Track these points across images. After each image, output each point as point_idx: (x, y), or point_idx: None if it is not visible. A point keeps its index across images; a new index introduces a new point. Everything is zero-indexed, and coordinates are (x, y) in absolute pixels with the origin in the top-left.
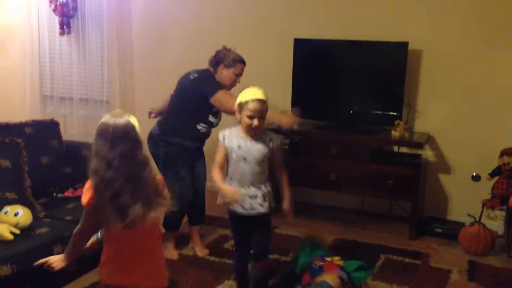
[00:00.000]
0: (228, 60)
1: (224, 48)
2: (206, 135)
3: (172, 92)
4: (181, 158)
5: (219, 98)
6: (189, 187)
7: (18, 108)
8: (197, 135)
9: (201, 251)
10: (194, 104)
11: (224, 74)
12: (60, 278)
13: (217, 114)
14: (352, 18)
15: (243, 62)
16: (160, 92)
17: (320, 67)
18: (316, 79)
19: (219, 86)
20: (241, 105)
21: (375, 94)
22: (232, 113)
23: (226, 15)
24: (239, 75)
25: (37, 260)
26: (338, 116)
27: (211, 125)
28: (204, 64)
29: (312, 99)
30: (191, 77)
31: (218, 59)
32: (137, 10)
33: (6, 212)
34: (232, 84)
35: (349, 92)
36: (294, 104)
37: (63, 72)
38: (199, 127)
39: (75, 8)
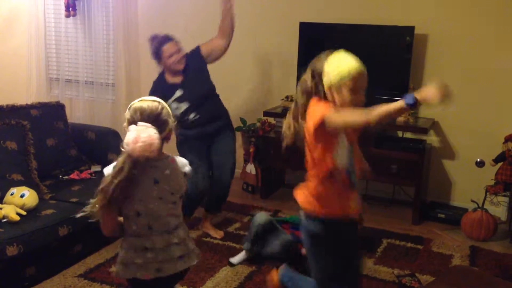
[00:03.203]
0: (155, 52)
1: (149, 41)
2: (192, 121)
3: None
4: (185, 144)
5: None
6: (197, 174)
7: (24, 91)
8: (184, 125)
9: (216, 233)
10: None
11: (164, 66)
12: (66, 258)
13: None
14: (359, 1)
15: (164, 42)
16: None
17: (326, 51)
18: None
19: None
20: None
21: (381, 79)
22: None
23: None
24: (171, 55)
25: (43, 241)
26: None
27: (179, 116)
28: None
29: None
30: None
31: (154, 58)
32: None
33: (12, 194)
34: (177, 66)
35: None
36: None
37: (69, 55)
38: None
39: None
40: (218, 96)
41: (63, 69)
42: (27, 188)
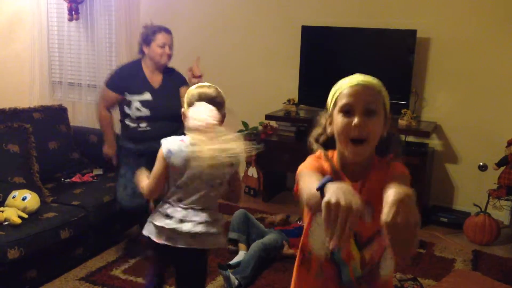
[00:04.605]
0: (146, 36)
1: (143, 27)
2: (140, 132)
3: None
4: (125, 159)
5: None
6: (127, 187)
7: (27, 94)
8: (130, 133)
9: None
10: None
11: (149, 53)
12: (67, 261)
13: (129, 104)
14: (361, 5)
15: (162, 29)
16: None
17: (328, 54)
18: (323, 66)
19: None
20: None
21: (383, 82)
22: None
23: (234, 2)
24: (164, 45)
25: (44, 244)
26: None
27: (134, 118)
28: (209, 48)
29: (319, 87)
30: None
31: (140, 43)
32: None
33: (14, 197)
34: (163, 59)
35: None
36: (301, 91)
37: (72, 58)
38: (127, 122)
39: None
40: (181, 125)
41: (65, 73)
42: (29, 191)
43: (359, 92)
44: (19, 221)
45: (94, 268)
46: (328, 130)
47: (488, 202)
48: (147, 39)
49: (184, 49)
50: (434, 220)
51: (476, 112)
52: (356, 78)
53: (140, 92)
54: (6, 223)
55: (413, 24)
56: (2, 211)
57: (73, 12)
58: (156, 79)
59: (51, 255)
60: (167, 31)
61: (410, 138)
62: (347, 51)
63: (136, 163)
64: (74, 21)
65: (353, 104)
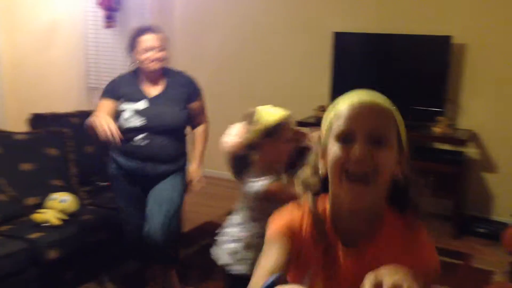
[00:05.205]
0: (130, 41)
1: (130, 31)
2: (135, 146)
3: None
4: (115, 180)
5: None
6: (129, 223)
7: (65, 99)
8: (123, 146)
9: None
10: None
11: (138, 59)
12: (105, 263)
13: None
14: (394, 11)
15: (145, 31)
16: (200, 85)
17: (360, 61)
18: (356, 73)
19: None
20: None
21: (417, 89)
22: None
23: (265, 9)
24: (149, 48)
25: (82, 245)
26: None
27: (124, 130)
28: (241, 54)
29: None
30: None
31: (127, 49)
32: (179, 3)
33: (53, 199)
34: (151, 65)
35: (390, 87)
36: (332, 97)
37: (108, 65)
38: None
39: (118, 1)
40: (184, 136)
41: (102, 79)
42: (68, 194)
43: (362, 114)
44: (59, 222)
45: (130, 270)
46: (321, 167)
47: None
48: (131, 44)
49: (217, 55)
50: (471, 231)
51: None
52: (358, 95)
53: (131, 99)
54: (46, 224)
55: (448, 30)
56: (42, 213)
57: (109, 20)
58: (153, 88)
59: (87, 257)
60: (153, 30)
61: (446, 146)
62: (379, 58)
63: (126, 188)
64: (110, 28)
65: (354, 129)
